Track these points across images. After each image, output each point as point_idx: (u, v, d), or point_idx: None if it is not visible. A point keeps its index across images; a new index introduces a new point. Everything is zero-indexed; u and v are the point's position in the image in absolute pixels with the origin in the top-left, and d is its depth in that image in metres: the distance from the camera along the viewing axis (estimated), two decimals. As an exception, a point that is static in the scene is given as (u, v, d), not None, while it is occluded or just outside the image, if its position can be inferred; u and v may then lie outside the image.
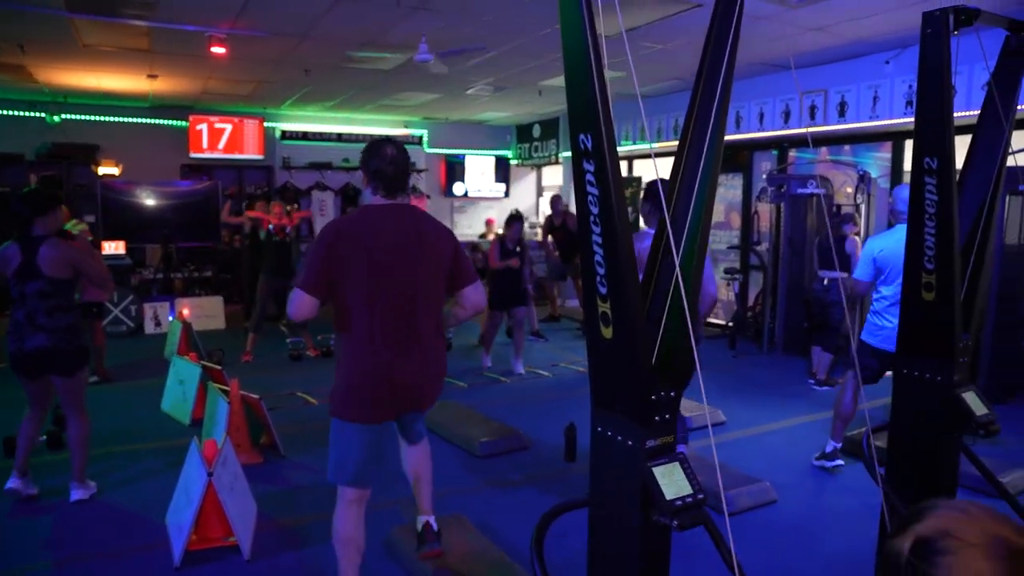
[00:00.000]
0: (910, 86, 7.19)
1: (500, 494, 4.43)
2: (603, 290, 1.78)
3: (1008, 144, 2.68)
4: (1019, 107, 6.60)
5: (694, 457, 4.80)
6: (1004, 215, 6.27)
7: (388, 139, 2.90)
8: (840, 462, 4.77)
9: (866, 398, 4.76)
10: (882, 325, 4.23)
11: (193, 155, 11.57)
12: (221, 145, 11.73)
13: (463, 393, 6.66)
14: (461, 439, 5.23)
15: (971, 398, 2.55)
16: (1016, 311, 6.39)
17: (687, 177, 1.86)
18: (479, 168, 13.89)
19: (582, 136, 1.74)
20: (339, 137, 12.71)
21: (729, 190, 9.61)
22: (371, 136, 11.44)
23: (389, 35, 7.07)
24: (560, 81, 9.24)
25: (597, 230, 1.75)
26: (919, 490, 2.62)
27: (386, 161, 2.78)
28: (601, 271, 1.77)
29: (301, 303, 2.65)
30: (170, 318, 9.14)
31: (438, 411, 5.26)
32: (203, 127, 11.59)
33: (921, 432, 2.65)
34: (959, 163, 2.54)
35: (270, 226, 7.87)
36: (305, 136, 12.59)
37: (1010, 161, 5.75)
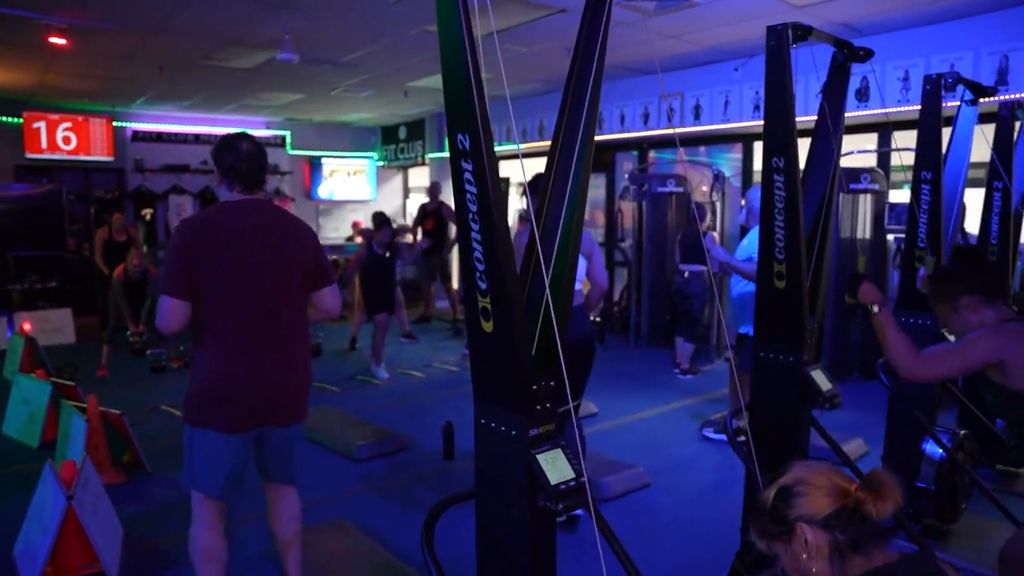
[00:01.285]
0: (757, 92, 7.72)
1: (381, 496, 4.40)
2: (483, 285, 1.84)
3: (839, 147, 2.95)
4: (849, 114, 7.23)
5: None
6: (838, 212, 6.85)
7: (242, 134, 2.74)
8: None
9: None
10: None
11: (30, 155, 10.69)
12: (65, 145, 10.92)
13: (336, 397, 6.56)
14: (338, 444, 5.15)
15: (818, 375, 2.80)
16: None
17: (559, 176, 1.94)
18: (344, 170, 13.65)
19: (460, 136, 1.78)
20: (197, 138, 12.13)
21: (593, 189, 9.96)
22: (231, 137, 11.00)
23: (250, 32, 6.85)
24: (427, 82, 9.27)
25: (476, 227, 1.80)
26: (777, 459, 2.84)
27: (241, 156, 2.64)
28: (481, 267, 1.82)
29: (172, 311, 2.49)
30: (8, 335, 8.42)
31: (312, 416, 5.15)
32: (41, 124, 10.73)
33: (778, 407, 2.87)
34: (803, 164, 2.80)
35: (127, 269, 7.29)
36: (160, 137, 11.93)
37: (844, 163, 6.26)
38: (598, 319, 9.15)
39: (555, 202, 1.95)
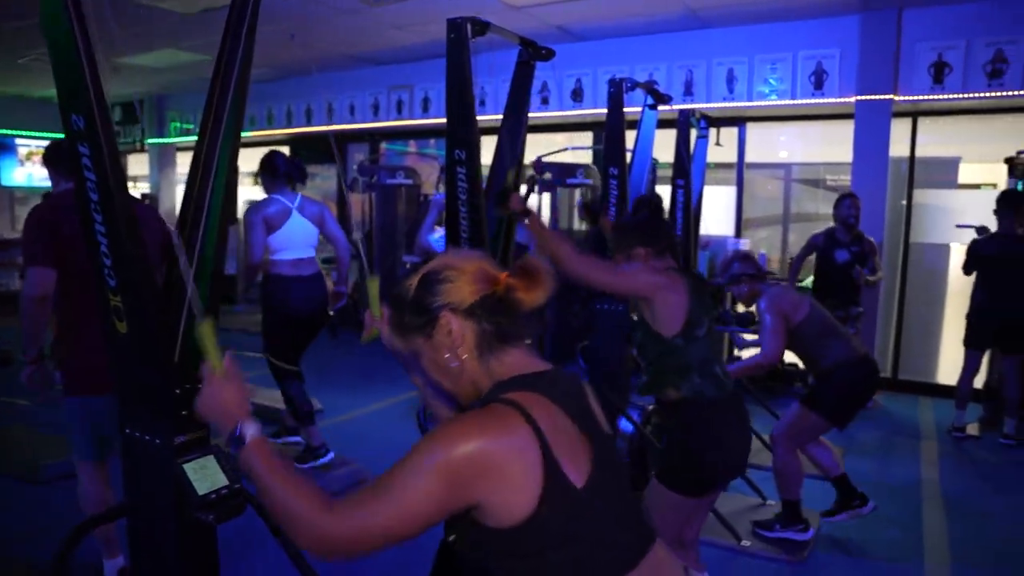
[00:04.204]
0: (483, 87, 7.98)
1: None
2: (112, 282, 1.66)
3: (524, 140, 3.10)
4: (567, 112, 7.63)
5: (288, 448, 4.80)
6: (556, 204, 7.30)
7: None
8: None
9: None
10: None
11: None
12: None
13: (29, 412, 5.76)
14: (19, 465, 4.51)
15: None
16: (570, 284, 7.47)
17: (205, 166, 1.81)
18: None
19: (75, 117, 1.59)
20: None
21: (325, 180, 9.73)
22: None
23: None
24: (142, 60, 8.44)
25: (99, 218, 1.62)
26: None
27: None
28: (108, 262, 1.64)
29: (41, 277, 2.65)
30: None
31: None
32: None
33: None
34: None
35: None
36: None
37: (564, 157, 6.62)
38: (332, 312, 8.95)
39: (200, 193, 1.81)
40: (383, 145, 9.23)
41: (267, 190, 4.38)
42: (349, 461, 4.57)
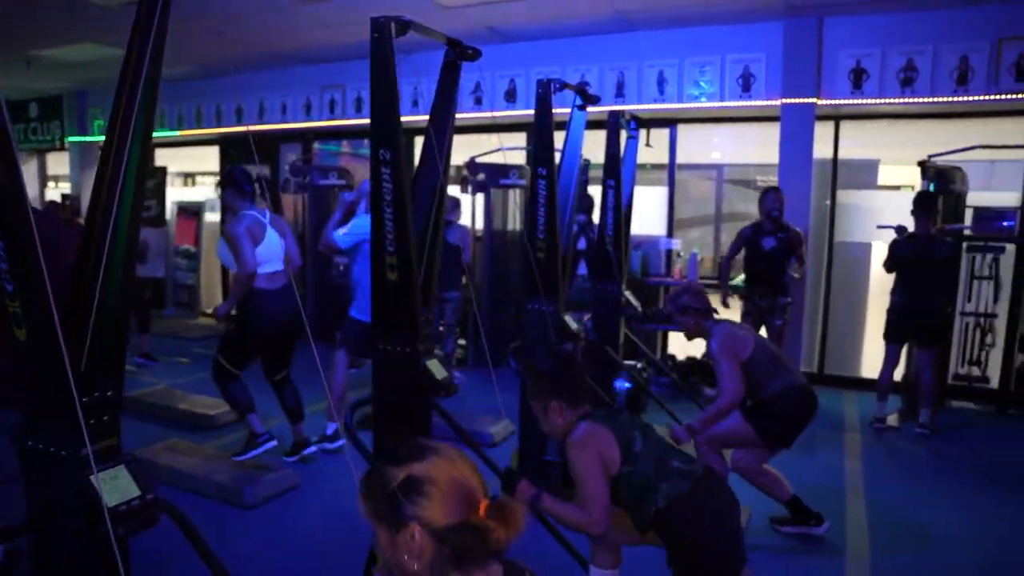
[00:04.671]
0: (415, 87, 7.90)
1: None
2: (10, 287, 1.58)
3: (451, 140, 3.08)
4: (503, 113, 7.64)
5: (213, 456, 4.68)
6: (490, 206, 7.30)
7: None
8: (342, 442, 4.91)
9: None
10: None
11: None
12: None
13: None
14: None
15: (433, 365, 2.89)
16: (505, 286, 7.49)
17: (114, 167, 1.74)
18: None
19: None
20: None
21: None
22: None
23: None
24: (62, 53, 8.12)
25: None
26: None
27: None
28: (5, 266, 1.57)
29: None
30: None
31: None
32: None
33: (399, 397, 2.91)
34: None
35: None
36: None
37: (494, 158, 6.63)
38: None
39: (108, 194, 1.74)
40: (316, 145, 9.09)
41: (236, 206, 4.49)
42: (278, 467, 4.51)
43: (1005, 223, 6.17)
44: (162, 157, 10.53)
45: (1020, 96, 5.93)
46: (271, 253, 4.45)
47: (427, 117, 3.10)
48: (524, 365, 4.01)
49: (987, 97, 6.00)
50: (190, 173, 11.76)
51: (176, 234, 10.13)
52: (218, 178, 4.41)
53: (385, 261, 2.77)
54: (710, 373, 6.50)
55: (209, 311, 8.86)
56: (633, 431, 2.64)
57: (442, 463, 1.35)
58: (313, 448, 4.84)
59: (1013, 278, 6.18)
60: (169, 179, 10.37)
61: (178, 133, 9.69)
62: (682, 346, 6.65)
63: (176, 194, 10.50)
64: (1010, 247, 6.13)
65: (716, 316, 3.85)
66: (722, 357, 3.60)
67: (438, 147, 2.97)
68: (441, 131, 3.04)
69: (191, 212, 10.04)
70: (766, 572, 3.52)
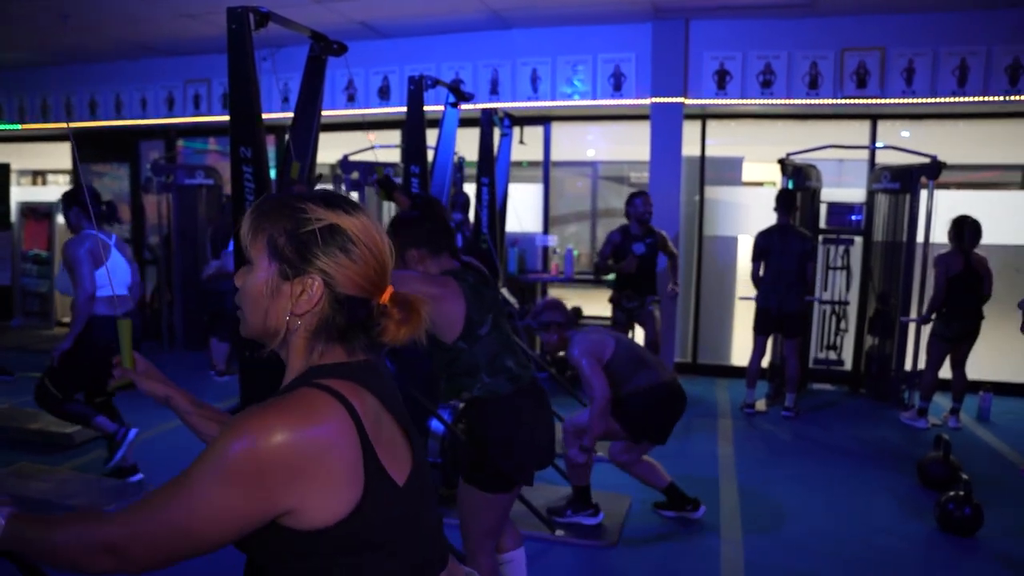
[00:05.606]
0: (286, 83, 7.63)
1: None
2: None
3: (317, 137, 2.97)
4: (372, 111, 7.48)
5: (69, 479, 4.34)
6: (366, 202, 7.14)
7: None
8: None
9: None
10: None
11: None
12: None
13: None
14: None
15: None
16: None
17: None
18: None
19: None
20: None
21: (115, 180, 8.93)
22: None
23: None
24: None
25: None
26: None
27: None
28: None
29: None
30: None
31: None
32: None
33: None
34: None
35: None
36: None
37: (368, 156, 6.49)
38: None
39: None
40: (180, 142, 8.62)
41: (77, 226, 4.25)
42: (144, 485, 4.23)
43: (853, 217, 6.62)
44: (3, 153, 9.69)
45: (861, 101, 6.40)
46: (116, 277, 4.28)
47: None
48: (398, 368, 3.92)
49: (834, 101, 6.45)
50: (39, 171, 10.89)
51: (24, 238, 9.35)
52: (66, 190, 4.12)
53: (249, 264, 2.62)
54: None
55: (66, 320, 8.25)
56: (487, 315, 2.48)
57: (370, 228, 1.14)
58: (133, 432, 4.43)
59: (861, 267, 6.65)
60: (14, 177, 9.56)
61: (19, 127, 8.93)
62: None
63: (23, 194, 9.70)
64: (858, 239, 6.60)
65: (577, 324, 3.90)
66: (583, 358, 3.64)
67: (304, 144, 2.86)
68: (306, 128, 2.92)
69: (41, 214, 9.29)
70: (647, 555, 3.64)
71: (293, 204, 1.13)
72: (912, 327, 6.03)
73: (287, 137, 2.95)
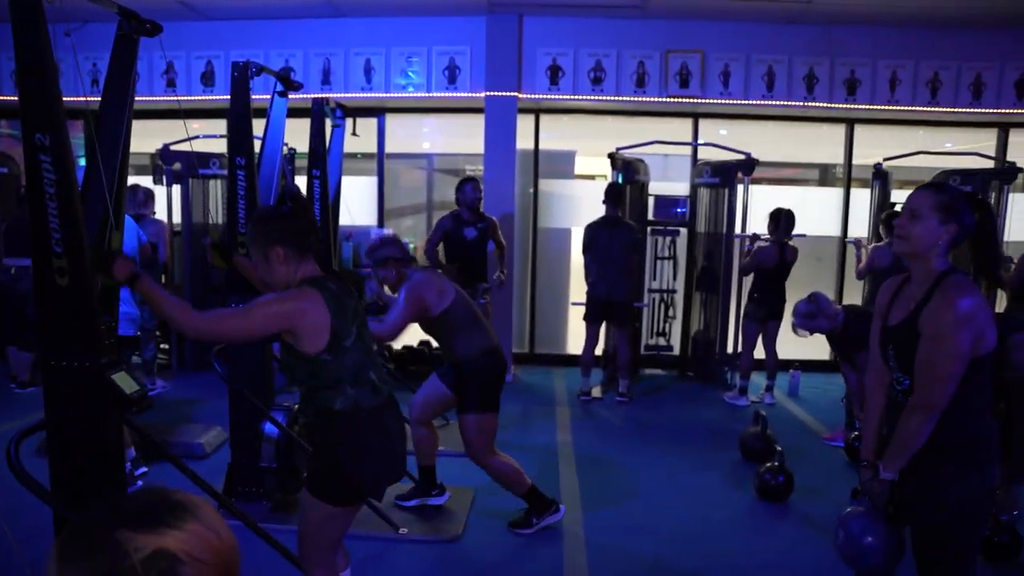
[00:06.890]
0: (95, 64, 6.97)
1: None
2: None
3: (129, 126, 2.72)
4: (195, 98, 7.00)
5: None
6: (189, 195, 6.69)
7: None
8: None
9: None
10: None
11: None
12: None
13: None
14: None
15: (122, 378, 2.53)
16: (208, 283, 6.91)
17: None
18: None
19: None
20: None
21: None
22: None
23: None
24: None
25: None
26: (90, 476, 2.49)
27: None
28: None
29: None
30: None
31: None
32: None
33: (79, 419, 2.49)
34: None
35: None
36: None
37: (192, 146, 6.07)
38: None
39: None
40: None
41: None
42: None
43: (679, 209, 7.01)
44: None
45: (684, 100, 6.79)
46: None
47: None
48: (228, 369, 3.70)
49: (660, 99, 6.79)
50: None
51: None
52: None
53: (53, 264, 2.35)
54: (427, 362, 6.61)
55: None
56: (352, 326, 2.38)
57: (203, 532, 0.90)
58: None
59: (687, 257, 7.07)
60: None
61: None
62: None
63: None
64: (683, 230, 7.00)
65: (416, 261, 3.77)
66: (406, 292, 3.50)
67: (114, 132, 2.60)
68: (118, 114, 2.67)
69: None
70: (491, 544, 3.69)
71: (103, 537, 0.85)
72: (732, 311, 6.49)
73: (97, 123, 2.68)
